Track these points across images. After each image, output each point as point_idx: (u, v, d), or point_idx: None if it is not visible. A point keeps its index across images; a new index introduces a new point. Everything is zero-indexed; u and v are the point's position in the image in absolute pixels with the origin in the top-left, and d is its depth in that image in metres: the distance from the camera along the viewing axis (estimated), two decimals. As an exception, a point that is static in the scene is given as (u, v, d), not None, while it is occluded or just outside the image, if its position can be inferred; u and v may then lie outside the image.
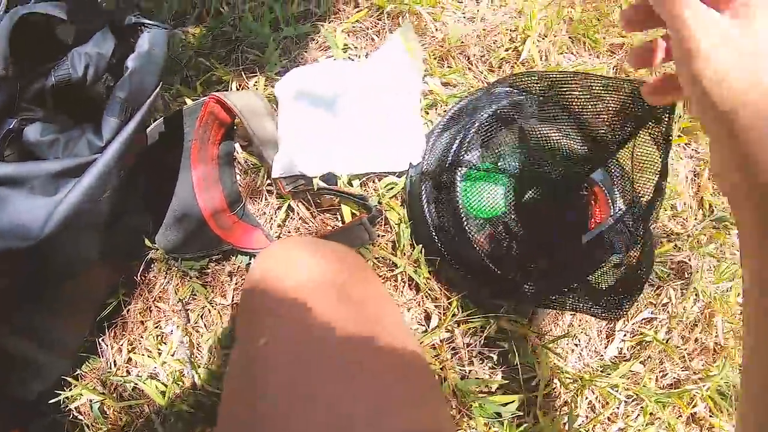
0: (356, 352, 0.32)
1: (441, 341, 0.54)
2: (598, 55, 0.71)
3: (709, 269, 0.71)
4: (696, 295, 0.68)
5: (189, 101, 0.64)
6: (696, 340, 0.70)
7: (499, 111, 0.48)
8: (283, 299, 0.34)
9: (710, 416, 0.67)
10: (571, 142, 0.51)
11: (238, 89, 0.63)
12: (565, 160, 0.51)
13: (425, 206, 0.49)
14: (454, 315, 0.53)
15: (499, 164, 0.50)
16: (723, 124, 0.19)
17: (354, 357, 0.32)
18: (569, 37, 0.70)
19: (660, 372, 0.67)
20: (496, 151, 0.47)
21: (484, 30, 0.67)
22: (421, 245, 0.52)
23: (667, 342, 0.68)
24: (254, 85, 0.63)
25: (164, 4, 0.75)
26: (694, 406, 0.67)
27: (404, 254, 0.54)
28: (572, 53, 0.70)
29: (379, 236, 0.55)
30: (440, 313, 0.54)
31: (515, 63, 0.65)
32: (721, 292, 0.70)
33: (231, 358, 0.36)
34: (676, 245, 0.68)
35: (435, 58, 0.63)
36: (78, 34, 0.53)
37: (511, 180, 0.49)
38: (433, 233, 0.49)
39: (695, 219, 0.70)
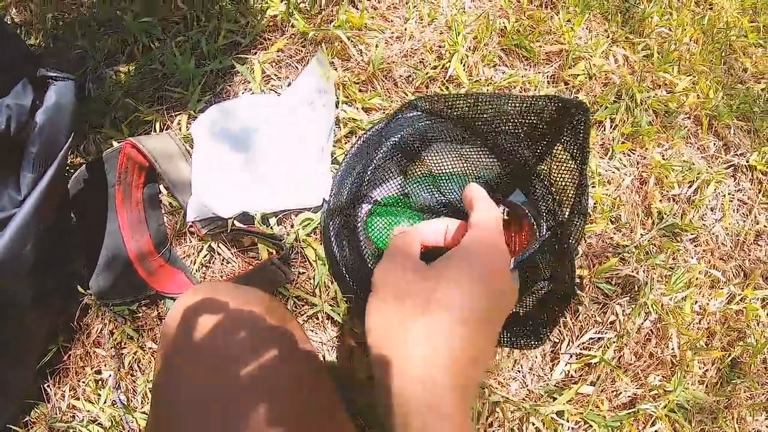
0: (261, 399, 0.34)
1: (365, 378, 0.53)
2: (534, 64, 0.70)
3: (659, 280, 0.69)
4: (646, 308, 0.67)
5: (116, 143, 0.64)
6: (651, 355, 0.68)
7: (402, 141, 0.47)
8: (191, 343, 0.37)
9: (672, 434, 0.66)
10: (485, 164, 0.49)
11: (161, 129, 0.63)
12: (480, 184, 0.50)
13: (334, 243, 0.48)
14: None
15: (408, 196, 0.49)
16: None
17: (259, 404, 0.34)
18: (502, 49, 0.69)
19: (612, 392, 0.66)
20: (399, 183, 0.46)
21: (411, 49, 0.66)
22: (335, 282, 0.51)
23: (618, 360, 0.66)
24: (177, 124, 0.63)
25: (96, 44, 0.76)
26: (653, 425, 0.65)
27: (323, 291, 0.53)
28: (506, 65, 0.68)
29: (299, 274, 0.54)
30: (363, 348, 0.53)
31: (443, 81, 0.64)
32: (674, 303, 0.69)
33: (150, 405, 0.39)
34: (622, 258, 0.66)
35: (357, 83, 0.62)
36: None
37: (420, 213, 0.48)
38: (343, 270, 0.48)
39: (643, 228, 0.69)
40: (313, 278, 0.53)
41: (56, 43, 0.81)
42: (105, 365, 0.62)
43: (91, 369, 0.62)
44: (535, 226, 0.55)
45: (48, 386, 0.62)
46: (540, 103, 0.38)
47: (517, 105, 0.41)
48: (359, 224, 0.45)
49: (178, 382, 0.36)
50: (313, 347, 0.43)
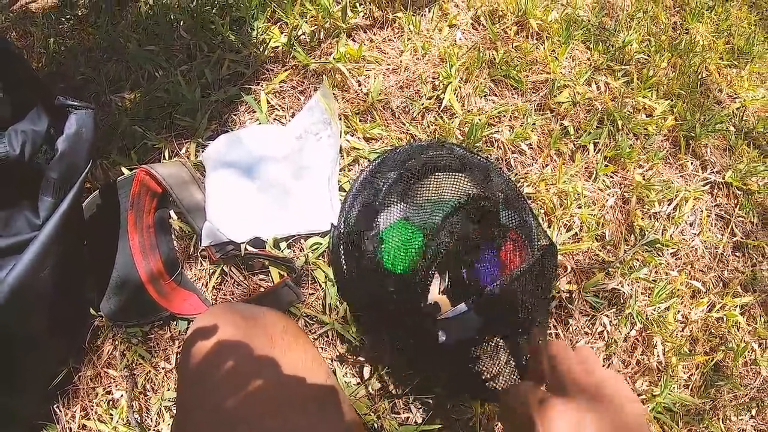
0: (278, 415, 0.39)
1: (375, 392, 0.60)
2: (522, 93, 0.78)
3: (643, 292, 0.77)
4: (632, 319, 0.74)
5: (125, 170, 0.70)
6: (638, 362, 0.76)
7: (406, 171, 0.54)
8: (207, 364, 0.41)
9: (661, 436, 0.73)
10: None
11: (170, 157, 0.69)
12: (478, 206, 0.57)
13: (343, 265, 0.55)
14: (385, 366, 0.59)
15: (408, 219, 0.56)
16: None
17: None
18: (492, 80, 0.77)
19: (603, 398, 0.73)
20: (401, 209, 0.53)
21: (407, 80, 0.73)
22: (345, 302, 0.58)
23: (608, 368, 0.74)
24: (185, 151, 0.69)
25: (100, 70, 0.82)
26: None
27: (333, 311, 0.59)
28: (495, 95, 0.77)
29: (309, 295, 0.61)
30: (371, 364, 0.59)
31: (438, 111, 0.72)
32: (658, 313, 0.76)
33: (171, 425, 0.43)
34: (607, 273, 0.74)
35: (357, 113, 0.69)
36: (13, 110, 0.59)
37: (420, 231, 0.55)
38: (354, 292, 0.55)
39: (626, 245, 0.77)
40: (323, 298, 0.59)
41: (59, 67, 0.86)
42: (117, 386, 0.67)
43: (103, 390, 0.67)
44: (527, 245, 0.63)
45: (57, 407, 0.67)
46: None
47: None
48: (369, 246, 0.52)
49: (192, 403, 0.41)
50: (324, 362, 0.49)
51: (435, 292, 0.54)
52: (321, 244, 0.61)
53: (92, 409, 0.67)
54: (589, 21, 0.91)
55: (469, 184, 0.57)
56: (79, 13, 0.94)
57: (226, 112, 0.72)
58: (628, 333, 0.75)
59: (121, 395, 0.68)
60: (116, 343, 0.68)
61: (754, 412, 0.81)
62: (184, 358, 0.44)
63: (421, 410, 0.63)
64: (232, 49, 0.78)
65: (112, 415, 0.67)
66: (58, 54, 0.88)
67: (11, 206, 0.57)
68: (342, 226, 0.57)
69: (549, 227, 0.70)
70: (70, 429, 0.67)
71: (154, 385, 0.66)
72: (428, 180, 0.57)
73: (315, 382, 0.44)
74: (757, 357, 0.83)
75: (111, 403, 0.68)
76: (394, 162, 0.57)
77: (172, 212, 0.67)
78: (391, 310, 0.50)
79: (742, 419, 0.80)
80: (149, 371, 0.65)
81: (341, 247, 0.56)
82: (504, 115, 0.74)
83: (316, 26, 0.78)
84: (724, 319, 0.82)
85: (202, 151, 0.67)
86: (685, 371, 0.78)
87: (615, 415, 0.31)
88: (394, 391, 0.60)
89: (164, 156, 0.70)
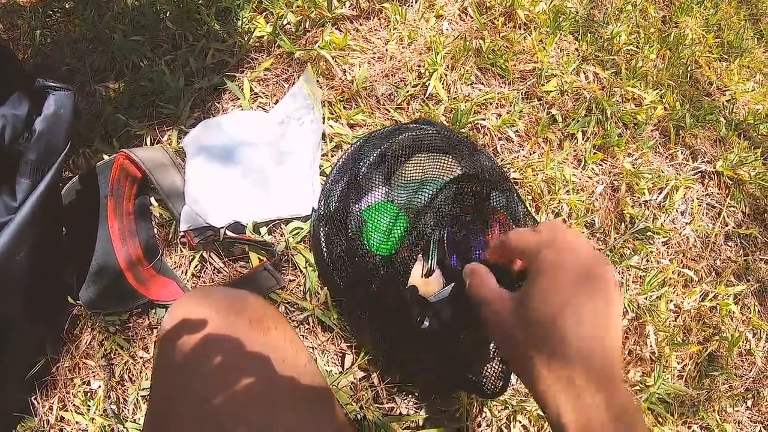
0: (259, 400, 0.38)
1: (357, 380, 0.58)
2: (509, 82, 0.78)
3: (635, 281, 0.76)
4: (623, 308, 0.73)
5: (106, 157, 0.69)
6: (630, 352, 0.75)
7: (387, 151, 0.54)
8: (188, 354, 0.40)
9: (654, 426, 0.71)
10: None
11: (152, 143, 0.68)
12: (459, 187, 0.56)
13: (324, 249, 0.54)
14: (367, 353, 0.58)
15: (393, 201, 0.55)
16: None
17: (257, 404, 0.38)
18: (479, 68, 0.77)
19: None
20: (384, 191, 0.53)
21: (392, 68, 0.73)
22: (326, 287, 0.57)
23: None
24: (168, 138, 0.68)
25: (86, 61, 0.81)
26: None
27: (314, 297, 0.58)
28: (482, 83, 0.76)
29: (289, 281, 0.59)
30: (354, 352, 0.58)
31: (423, 98, 0.71)
32: (650, 302, 0.75)
33: (145, 414, 0.42)
34: (597, 261, 0.73)
35: (342, 101, 0.69)
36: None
37: (405, 213, 0.54)
38: (335, 276, 0.54)
39: (616, 233, 0.76)
40: (304, 284, 0.58)
41: (45, 59, 0.86)
42: (95, 376, 0.66)
43: (81, 380, 0.65)
44: (510, 221, 0.61)
45: (35, 399, 0.65)
46: None
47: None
48: (351, 228, 0.51)
49: (174, 394, 0.39)
50: (305, 349, 0.47)
51: (418, 276, 0.53)
52: (302, 228, 0.60)
53: (70, 400, 0.66)
54: (577, 12, 0.91)
55: (454, 164, 0.56)
56: (67, 6, 0.94)
57: (210, 99, 0.72)
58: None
59: (99, 386, 0.66)
60: (94, 332, 0.67)
61: (750, 402, 0.80)
62: (162, 345, 0.42)
63: (405, 401, 0.61)
64: (218, 39, 0.77)
65: (89, 406, 0.65)
66: (44, 46, 0.88)
67: (-11, 190, 0.56)
68: (322, 209, 0.56)
69: (537, 213, 0.70)
70: (48, 421, 0.66)
71: (132, 375, 0.64)
72: (412, 161, 0.56)
73: (302, 377, 0.42)
74: (751, 347, 0.81)
75: (89, 394, 0.66)
76: (375, 142, 0.56)
77: (152, 199, 0.66)
78: (373, 292, 0.49)
79: (737, 410, 0.79)
80: (127, 361, 0.64)
81: (321, 230, 0.55)
82: (490, 103, 0.74)
83: (302, 16, 0.77)
84: (718, 308, 0.81)
85: (183, 138, 0.66)
86: (678, 361, 0.77)
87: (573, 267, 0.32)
88: (376, 381, 0.59)
89: (146, 143, 0.69)
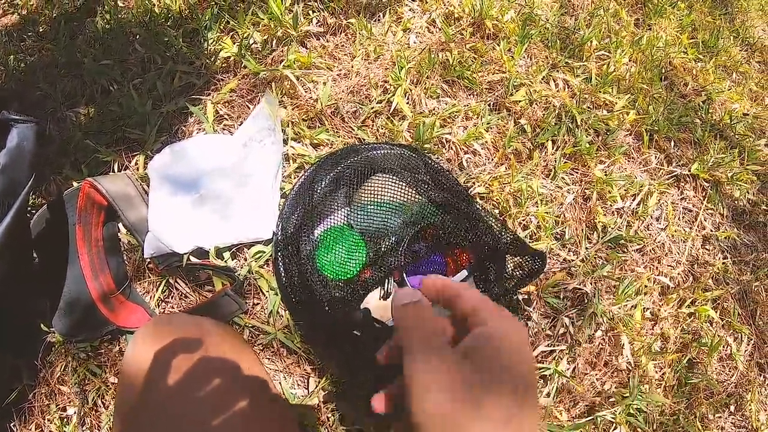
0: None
1: (322, 402, 0.59)
2: (477, 93, 0.78)
3: (608, 291, 0.76)
4: (596, 319, 0.73)
5: (75, 184, 0.70)
6: (605, 363, 0.75)
7: (347, 169, 0.54)
8: (148, 384, 0.41)
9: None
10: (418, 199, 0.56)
11: (119, 170, 0.69)
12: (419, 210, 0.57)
13: (282, 273, 0.54)
14: (331, 375, 0.58)
15: (352, 226, 0.55)
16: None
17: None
18: (445, 81, 0.77)
19: (570, 402, 0.71)
20: (345, 214, 0.53)
21: (358, 84, 0.73)
22: (288, 311, 0.57)
23: (573, 371, 0.72)
24: (135, 163, 0.69)
25: (57, 86, 0.82)
26: (615, 430, 0.71)
27: (277, 320, 0.59)
28: (449, 96, 0.76)
29: (253, 304, 0.60)
30: (318, 375, 0.59)
31: (388, 114, 0.71)
32: (624, 312, 0.75)
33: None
34: (569, 272, 0.73)
35: (306, 120, 0.69)
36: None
37: (362, 237, 0.55)
38: (293, 299, 0.54)
39: (588, 242, 0.76)
40: (266, 308, 0.59)
41: (18, 84, 0.87)
42: (69, 402, 0.66)
43: (56, 407, 0.66)
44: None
45: (14, 425, 0.66)
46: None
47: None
48: (303, 252, 0.51)
49: (138, 421, 0.40)
50: (267, 374, 0.48)
51: (376, 298, 0.54)
52: (264, 252, 0.60)
53: (46, 426, 0.67)
54: (547, 20, 0.91)
55: (411, 186, 0.56)
56: (40, 29, 0.95)
57: (176, 123, 0.72)
58: (593, 333, 0.74)
59: (74, 412, 0.67)
60: (68, 359, 0.67)
61: (732, 408, 0.79)
62: (123, 376, 0.44)
63: (372, 422, 0.62)
64: (185, 61, 0.78)
65: (65, 431, 0.66)
66: (17, 71, 0.89)
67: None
68: (280, 233, 0.57)
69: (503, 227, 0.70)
70: (24, 448, 0.67)
71: (105, 400, 0.65)
72: (369, 183, 0.56)
73: (263, 401, 0.43)
74: (732, 351, 0.81)
75: (65, 420, 0.67)
76: (332, 164, 0.57)
77: (120, 225, 0.67)
78: (325, 316, 0.49)
79: (720, 416, 0.79)
80: (100, 387, 0.64)
81: (280, 254, 0.55)
82: (457, 116, 0.74)
83: (267, 35, 0.78)
84: (696, 314, 0.80)
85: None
86: (657, 370, 0.76)
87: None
88: (342, 403, 0.59)
89: (113, 169, 0.70)
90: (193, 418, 0.40)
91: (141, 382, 0.42)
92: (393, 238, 0.54)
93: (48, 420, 0.67)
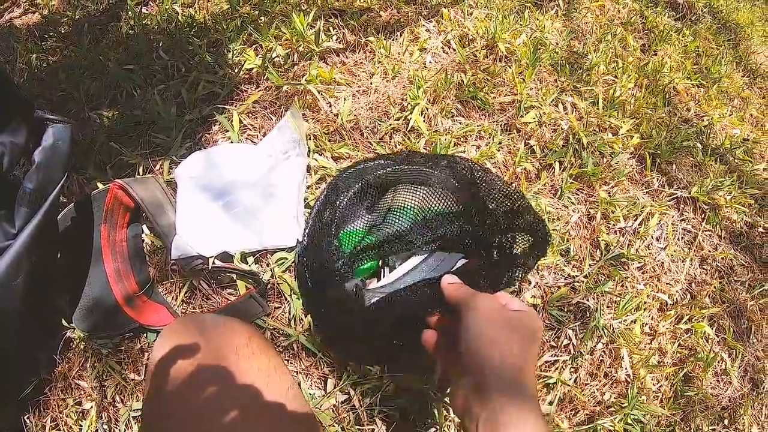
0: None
1: (339, 403, 0.64)
2: (489, 114, 0.84)
3: (609, 306, 0.82)
4: (598, 332, 0.79)
5: (100, 185, 0.75)
6: (606, 374, 0.81)
7: (368, 184, 0.60)
8: (178, 379, 0.46)
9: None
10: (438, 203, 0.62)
11: (144, 173, 0.74)
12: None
13: (308, 279, 0.60)
14: (348, 377, 0.64)
15: (372, 230, 0.61)
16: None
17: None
18: (459, 101, 0.83)
19: (571, 410, 0.77)
20: (366, 220, 0.59)
21: (376, 101, 0.80)
22: (310, 314, 0.62)
23: (575, 381, 0.78)
24: (159, 167, 0.74)
25: (80, 88, 0.87)
26: (612, 440, 0.77)
27: (298, 323, 0.64)
28: (462, 116, 0.83)
29: (275, 308, 0.65)
30: (336, 376, 0.64)
31: (405, 132, 0.78)
32: (624, 326, 0.81)
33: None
34: (572, 287, 0.79)
35: (327, 134, 0.75)
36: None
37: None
38: (316, 303, 0.60)
39: (591, 259, 0.82)
40: (288, 311, 0.64)
41: (40, 84, 0.92)
42: (87, 397, 0.71)
43: (73, 401, 0.71)
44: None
45: (29, 418, 0.70)
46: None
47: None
48: (330, 257, 0.57)
49: (166, 416, 0.44)
50: (288, 372, 0.53)
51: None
52: (287, 258, 0.66)
53: (62, 420, 0.71)
54: (557, 44, 0.98)
55: (432, 194, 0.62)
56: (62, 30, 1.01)
57: (200, 130, 0.78)
58: (594, 345, 0.80)
59: (91, 406, 0.71)
60: (87, 354, 0.72)
61: (726, 422, 0.85)
62: (154, 371, 0.48)
63: (386, 423, 0.67)
64: (209, 70, 0.84)
65: (81, 426, 0.70)
66: (39, 70, 0.94)
67: (-13, 215, 0.62)
68: (305, 241, 0.62)
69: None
70: (40, 441, 0.71)
71: (124, 396, 0.70)
72: (390, 194, 0.63)
73: (286, 401, 0.48)
74: (727, 367, 0.87)
75: (81, 414, 0.71)
76: (356, 176, 0.63)
77: (144, 227, 0.72)
78: (347, 321, 0.55)
79: (714, 429, 0.85)
80: (119, 382, 0.69)
81: (304, 260, 0.61)
82: (470, 135, 0.80)
83: (290, 49, 0.84)
84: (693, 330, 0.87)
85: (175, 168, 0.72)
86: (654, 382, 0.83)
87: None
88: (357, 403, 0.65)
89: (138, 172, 0.75)
90: (227, 413, 0.44)
91: (170, 380, 0.46)
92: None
93: (65, 414, 0.71)
